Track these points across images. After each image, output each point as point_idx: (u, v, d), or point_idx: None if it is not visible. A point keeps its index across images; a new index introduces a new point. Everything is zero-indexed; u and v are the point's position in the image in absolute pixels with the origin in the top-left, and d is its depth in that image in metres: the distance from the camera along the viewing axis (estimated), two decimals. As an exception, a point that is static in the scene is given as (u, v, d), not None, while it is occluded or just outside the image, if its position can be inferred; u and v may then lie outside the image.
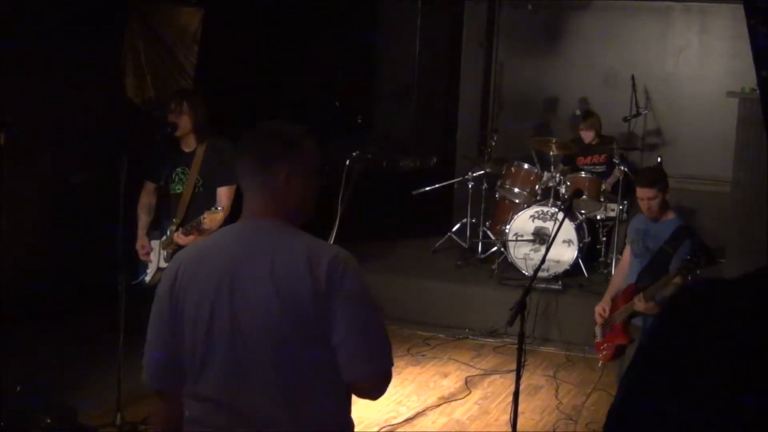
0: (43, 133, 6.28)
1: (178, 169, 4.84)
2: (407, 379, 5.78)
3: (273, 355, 2.06)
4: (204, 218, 4.55)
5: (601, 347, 4.64)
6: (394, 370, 6.40)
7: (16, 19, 6.01)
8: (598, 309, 4.65)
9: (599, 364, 4.87)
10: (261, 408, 2.08)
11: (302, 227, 2.23)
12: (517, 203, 7.43)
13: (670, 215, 4.54)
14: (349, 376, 2.10)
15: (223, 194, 4.82)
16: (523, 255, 7.09)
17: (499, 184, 7.58)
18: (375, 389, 2.20)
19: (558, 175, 7.23)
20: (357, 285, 2.12)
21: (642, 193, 4.47)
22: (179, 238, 4.72)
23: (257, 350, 2.06)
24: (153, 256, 4.90)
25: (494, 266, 7.21)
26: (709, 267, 4.42)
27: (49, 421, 4.25)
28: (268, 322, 2.05)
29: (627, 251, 4.78)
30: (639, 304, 4.32)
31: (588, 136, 7.71)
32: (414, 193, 7.81)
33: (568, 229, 6.94)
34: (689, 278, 4.17)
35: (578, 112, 8.29)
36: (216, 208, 4.58)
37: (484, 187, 7.72)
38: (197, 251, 2.23)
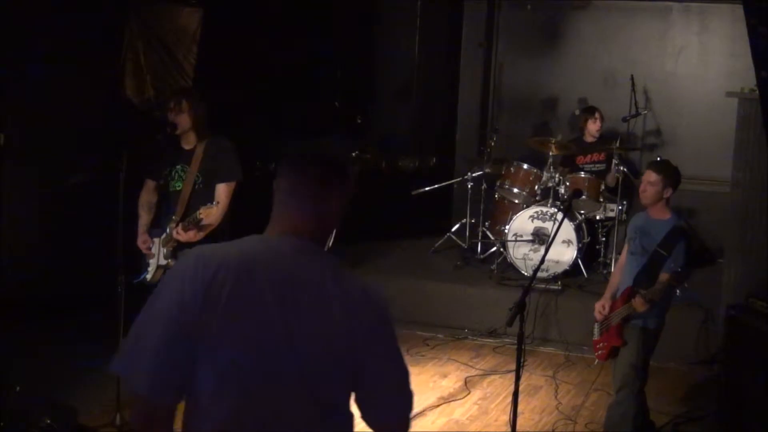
0: (43, 133, 6.28)
1: (178, 167, 4.85)
2: (407, 379, 5.78)
3: (310, 387, 2.03)
4: (200, 213, 4.57)
5: (598, 346, 4.66)
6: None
7: (17, 19, 6.01)
8: (598, 306, 4.67)
9: (595, 362, 4.88)
10: None
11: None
12: (516, 203, 7.43)
13: (668, 215, 4.55)
14: (379, 418, 2.13)
15: (222, 190, 4.83)
16: (522, 255, 7.10)
17: (498, 184, 7.58)
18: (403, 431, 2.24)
19: (557, 176, 7.23)
20: (395, 331, 2.16)
21: (646, 175, 4.55)
22: (178, 234, 4.73)
23: (298, 378, 2.02)
24: (153, 253, 4.91)
25: (493, 266, 7.21)
26: (705, 268, 4.47)
27: (48, 421, 4.25)
28: (318, 355, 2.02)
29: (625, 249, 4.81)
30: (640, 305, 4.35)
31: (595, 127, 7.72)
32: (413, 193, 7.81)
33: (568, 230, 6.94)
34: (677, 287, 4.27)
35: (578, 112, 8.30)
36: (211, 204, 4.60)
37: (483, 187, 7.73)
38: (240, 257, 2.07)
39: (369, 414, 2.11)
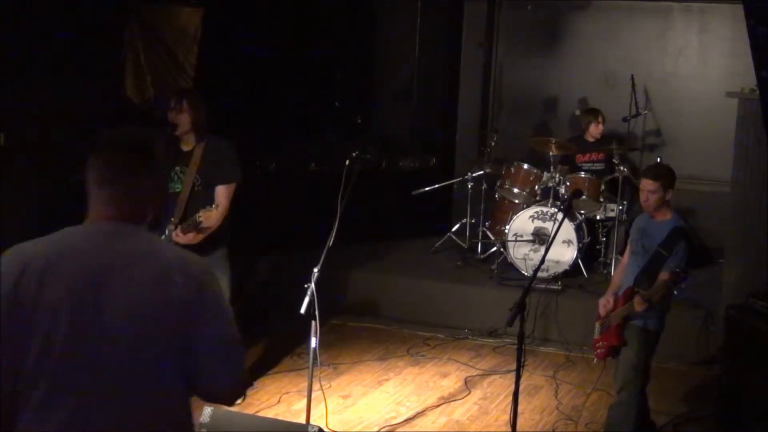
0: (43, 133, 6.28)
1: (177, 168, 4.86)
2: (407, 379, 5.78)
3: (130, 368, 2.07)
4: (199, 216, 4.57)
5: (597, 345, 4.66)
6: (395, 370, 6.36)
7: (17, 19, 6.01)
8: (602, 301, 4.66)
9: (594, 361, 4.89)
10: (115, 423, 2.07)
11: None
12: (516, 203, 7.43)
13: (669, 216, 4.55)
14: (208, 386, 2.18)
15: (221, 192, 4.83)
16: (522, 255, 7.10)
17: (498, 184, 7.58)
18: (234, 398, 2.34)
19: (557, 176, 7.23)
20: (218, 296, 2.19)
21: (644, 184, 4.51)
22: (177, 236, 4.74)
23: (116, 362, 2.06)
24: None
25: (494, 266, 7.21)
26: (705, 268, 4.45)
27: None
28: (133, 336, 2.06)
29: (627, 250, 4.82)
30: (639, 305, 4.36)
31: (598, 130, 7.74)
32: (414, 193, 7.81)
33: (568, 230, 6.94)
34: (675, 287, 4.26)
35: (578, 113, 8.30)
36: (210, 206, 4.60)
37: (483, 187, 7.72)
38: (46, 255, 2.12)
39: (196, 383, 2.15)
